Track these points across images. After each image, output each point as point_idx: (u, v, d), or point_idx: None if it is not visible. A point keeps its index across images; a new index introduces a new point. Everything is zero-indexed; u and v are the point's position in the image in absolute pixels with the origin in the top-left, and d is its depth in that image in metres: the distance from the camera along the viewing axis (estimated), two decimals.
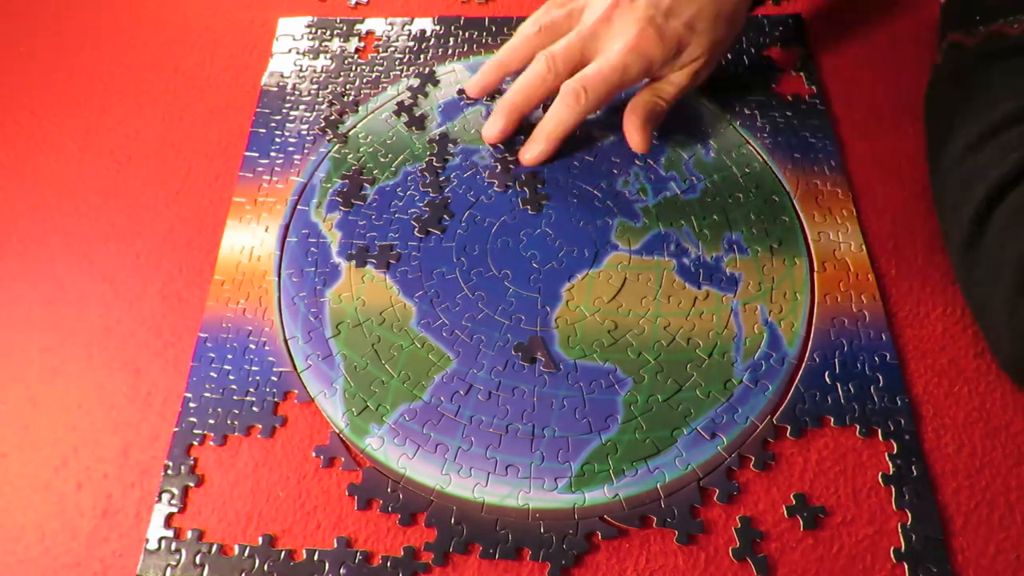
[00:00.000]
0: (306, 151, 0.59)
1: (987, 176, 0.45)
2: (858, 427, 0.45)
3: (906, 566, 0.41)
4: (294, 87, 0.63)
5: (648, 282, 0.51)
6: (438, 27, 0.66)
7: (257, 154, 0.59)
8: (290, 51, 0.65)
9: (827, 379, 0.47)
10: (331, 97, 0.59)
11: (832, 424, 0.46)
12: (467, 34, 0.66)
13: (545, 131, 0.55)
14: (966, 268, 0.46)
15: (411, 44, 0.65)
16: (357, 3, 0.69)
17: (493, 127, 0.57)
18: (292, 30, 0.67)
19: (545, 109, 0.56)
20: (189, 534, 0.43)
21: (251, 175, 0.58)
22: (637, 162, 0.57)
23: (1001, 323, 0.43)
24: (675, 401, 0.47)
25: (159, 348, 0.50)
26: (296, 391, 0.48)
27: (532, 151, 0.56)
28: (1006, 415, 0.45)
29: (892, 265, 0.52)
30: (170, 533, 0.43)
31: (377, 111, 0.61)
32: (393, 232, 0.54)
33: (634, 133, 0.54)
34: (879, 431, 0.45)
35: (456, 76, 0.63)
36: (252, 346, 0.50)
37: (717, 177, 0.56)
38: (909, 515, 0.42)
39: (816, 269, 0.52)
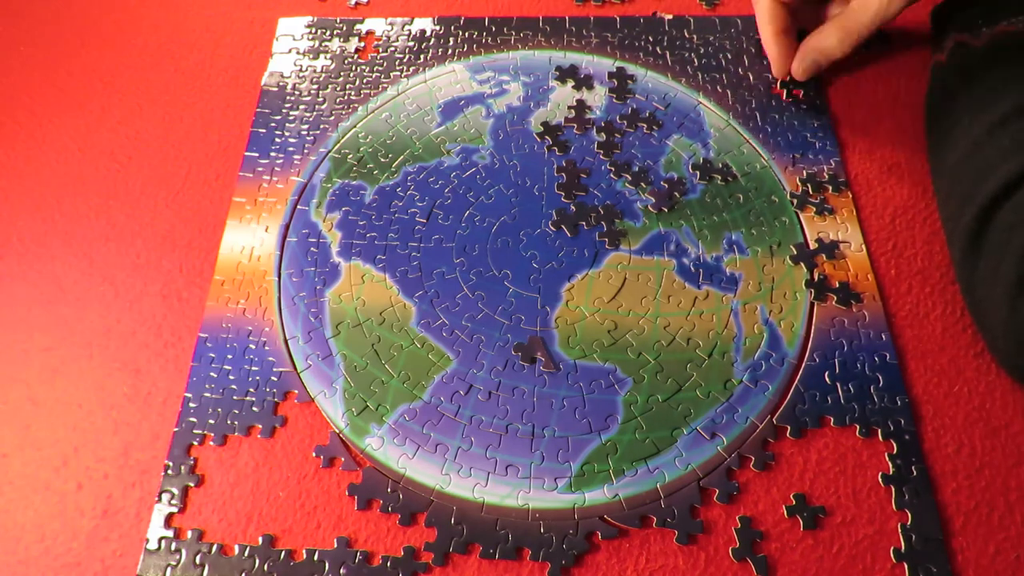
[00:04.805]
0: (306, 151, 0.59)
1: (994, 173, 0.45)
2: (858, 427, 0.45)
3: (906, 566, 0.41)
4: (294, 87, 0.63)
5: (648, 282, 0.51)
6: (438, 27, 0.66)
7: (257, 154, 0.59)
8: (290, 51, 0.65)
9: (827, 379, 0.47)
10: None
11: (832, 424, 0.46)
12: (467, 34, 0.66)
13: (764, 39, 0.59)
14: (967, 266, 0.46)
15: (411, 44, 0.65)
16: (357, 3, 0.69)
17: (778, 65, 0.59)
18: (292, 30, 0.67)
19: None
20: (189, 534, 0.43)
21: (251, 175, 0.58)
22: (635, 165, 0.57)
23: (1000, 320, 0.43)
24: (675, 401, 0.47)
25: (159, 348, 0.50)
26: (296, 391, 0.48)
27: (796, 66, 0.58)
28: (1006, 415, 0.45)
29: (892, 265, 0.52)
30: (170, 533, 0.43)
31: (377, 111, 0.61)
32: (393, 232, 0.54)
33: (797, 65, 0.58)
34: (879, 431, 0.45)
35: (456, 76, 0.63)
36: (252, 346, 0.50)
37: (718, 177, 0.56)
38: (909, 515, 0.42)
39: (816, 269, 0.52)
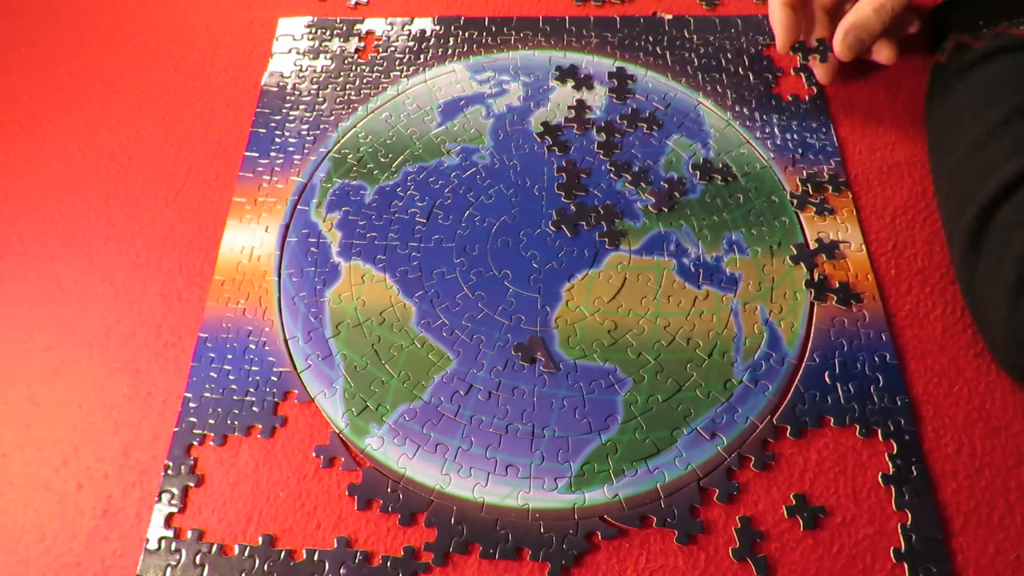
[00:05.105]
0: (306, 151, 0.59)
1: (995, 173, 0.45)
2: (858, 427, 0.45)
3: (906, 566, 0.41)
4: (294, 87, 0.63)
5: (648, 282, 0.51)
6: (438, 27, 0.66)
7: (257, 154, 0.59)
8: (290, 51, 0.65)
9: (827, 379, 0.47)
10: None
11: (832, 424, 0.46)
12: (467, 34, 0.66)
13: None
14: (968, 265, 0.46)
15: (411, 44, 0.65)
16: (357, 3, 0.69)
17: (783, 36, 0.58)
18: (292, 30, 0.67)
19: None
20: (189, 534, 0.43)
21: (251, 175, 0.58)
22: (636, 164, 0.57)
23: (1000, 320, 0.43)
24: (675, 401, 0.47)
25: (159, 348, 0.50)
26: (296, 391, 0.48)
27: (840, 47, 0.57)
28: (1006, 415, 0.45)
29: (892, 265, 0.52)
30: (170, 533, 0.43)
31: (377, 111, 0.61)
32: (393, 232, 0.54)
33: (840, 44, 0.56)
34: (879, 431, 0.45)
35: (456, 76, 0.63)
36: (252, 346, 0.50)
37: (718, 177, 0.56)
38: (909, 515, 0.42)
39: (816, 269, 0.52)
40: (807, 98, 0.60)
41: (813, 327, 0.49)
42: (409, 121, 0.60)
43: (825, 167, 0.56)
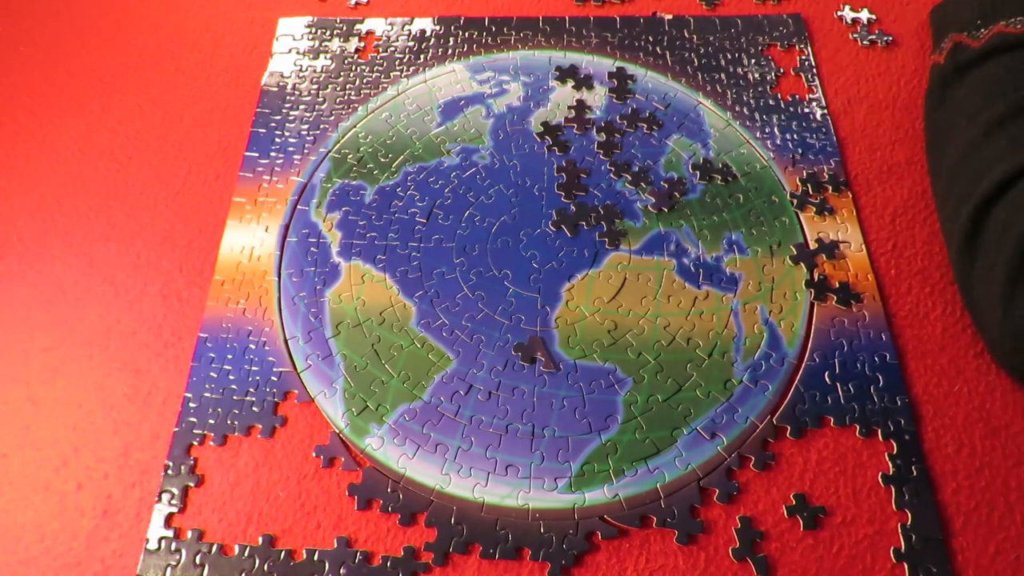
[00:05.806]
0: (306, 151, 0.59)
1: (990, 172, 0.45)
2: (858, 427, 0.45)
3: (906, 566, 0.41)
4: (294, 87, 0.63)
5: (648, 282, 0.51)
6: (438, 27, 0.66)
7: (257, 154, 0.59)
8: (290, 51, 0.65)
9: (827, 379, 0.47)
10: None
11: (832, 424, 0.46)
12: (467, 34, 0.66)
13: None
14: (964, 265, 0.46)
15: (411, 44, 0.65)
16: (357, 3, 0.69)
17: None
18: (292, 30, 0.67)
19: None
20: (189, 534, 0.43)
21: (251, 175, 0.58)
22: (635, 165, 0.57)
23: (996, 319, 0.43)
24: (675, 401, 0.47)
25: (159, 348, 0.50)
26: (296, 391, 0.48)
27: None
28: (1006, 415, 0.45)
29: (892, 265, 0.52)
30: (170, 533, 0.43)
31: (377, 111, 0.61)
32: (393, 232, 0.54)
33: None
34: (879, 431, 0.45)
35: (456, 76, 0.63)
36: (252, 346, 0.50)
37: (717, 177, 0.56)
38: (909, 515, 0.42)
39: (816, 269, 0.52)
40: (807, 98, 0.60)
41: (813, 327, 0.49)
42: (409, 121, 0.60)
43: (825, 167, 0.56)
